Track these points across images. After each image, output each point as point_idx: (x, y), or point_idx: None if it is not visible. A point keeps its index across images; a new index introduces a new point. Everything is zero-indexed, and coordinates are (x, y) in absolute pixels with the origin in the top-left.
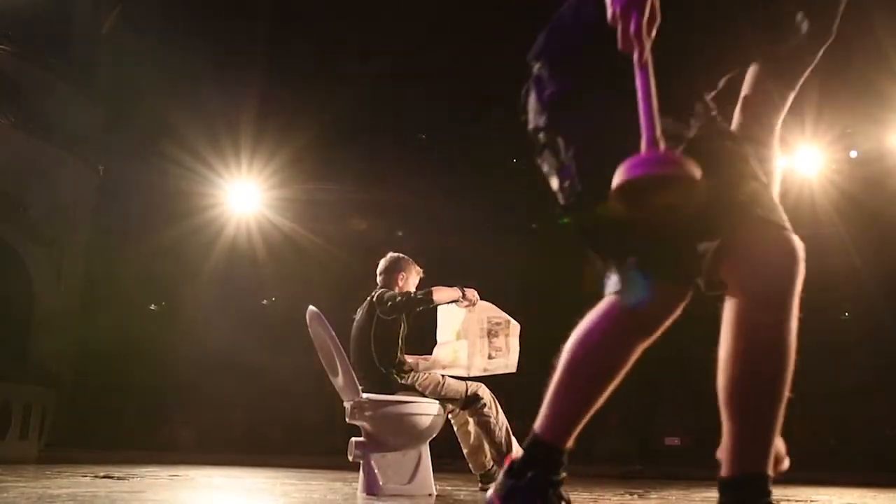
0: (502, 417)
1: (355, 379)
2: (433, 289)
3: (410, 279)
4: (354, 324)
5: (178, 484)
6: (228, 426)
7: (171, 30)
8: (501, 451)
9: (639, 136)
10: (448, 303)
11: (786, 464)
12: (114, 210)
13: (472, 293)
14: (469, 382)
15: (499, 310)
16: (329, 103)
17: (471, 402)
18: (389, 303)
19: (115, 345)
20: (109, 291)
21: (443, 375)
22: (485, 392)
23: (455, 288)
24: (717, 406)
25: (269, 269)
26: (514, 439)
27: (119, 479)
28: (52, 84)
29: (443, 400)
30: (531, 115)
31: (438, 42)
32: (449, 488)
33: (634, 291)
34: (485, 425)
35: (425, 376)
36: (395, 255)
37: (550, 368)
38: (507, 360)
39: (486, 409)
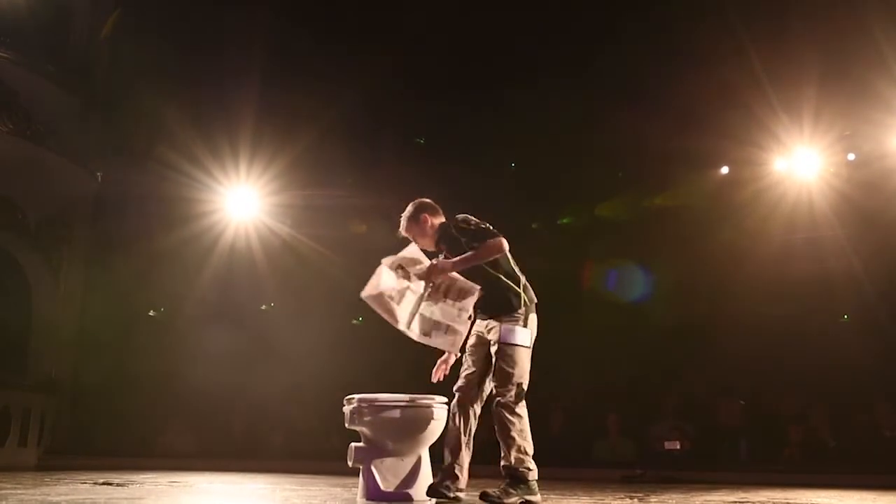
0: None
1: None
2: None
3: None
4: None
5: (177, 490)
6: (228, 432)
7: (169, 35)
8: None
9: None
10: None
11: None
12: (112, 216)
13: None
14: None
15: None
16: (327, 107)
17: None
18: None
19: (113, 351)
20: (108, 298)
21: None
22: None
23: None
24: (716, 410)
25: (268, 275)
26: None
27: (118, 485)
28: (51, 90)
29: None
30: None
31: (437, 44)
32: None
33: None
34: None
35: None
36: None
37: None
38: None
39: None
